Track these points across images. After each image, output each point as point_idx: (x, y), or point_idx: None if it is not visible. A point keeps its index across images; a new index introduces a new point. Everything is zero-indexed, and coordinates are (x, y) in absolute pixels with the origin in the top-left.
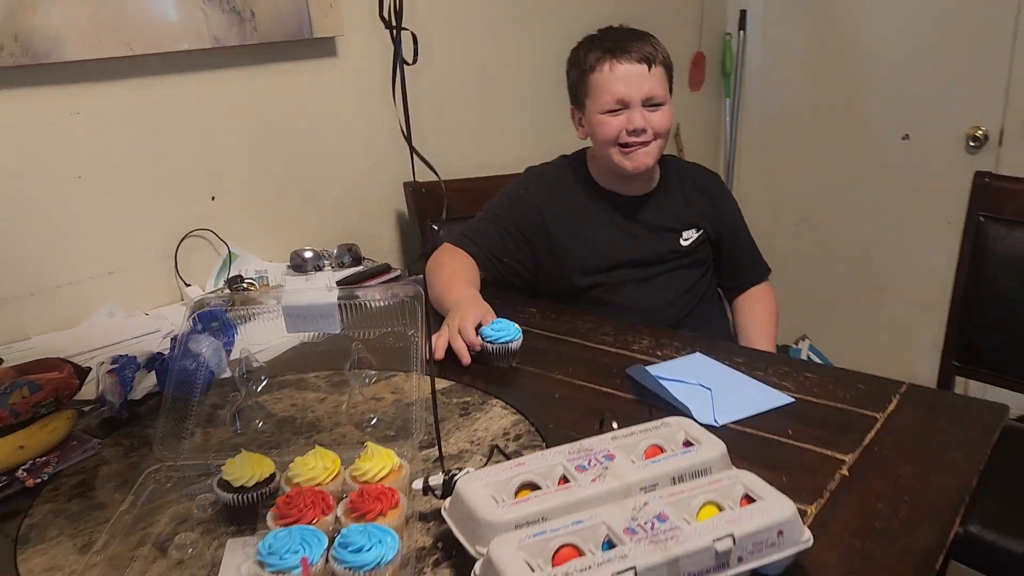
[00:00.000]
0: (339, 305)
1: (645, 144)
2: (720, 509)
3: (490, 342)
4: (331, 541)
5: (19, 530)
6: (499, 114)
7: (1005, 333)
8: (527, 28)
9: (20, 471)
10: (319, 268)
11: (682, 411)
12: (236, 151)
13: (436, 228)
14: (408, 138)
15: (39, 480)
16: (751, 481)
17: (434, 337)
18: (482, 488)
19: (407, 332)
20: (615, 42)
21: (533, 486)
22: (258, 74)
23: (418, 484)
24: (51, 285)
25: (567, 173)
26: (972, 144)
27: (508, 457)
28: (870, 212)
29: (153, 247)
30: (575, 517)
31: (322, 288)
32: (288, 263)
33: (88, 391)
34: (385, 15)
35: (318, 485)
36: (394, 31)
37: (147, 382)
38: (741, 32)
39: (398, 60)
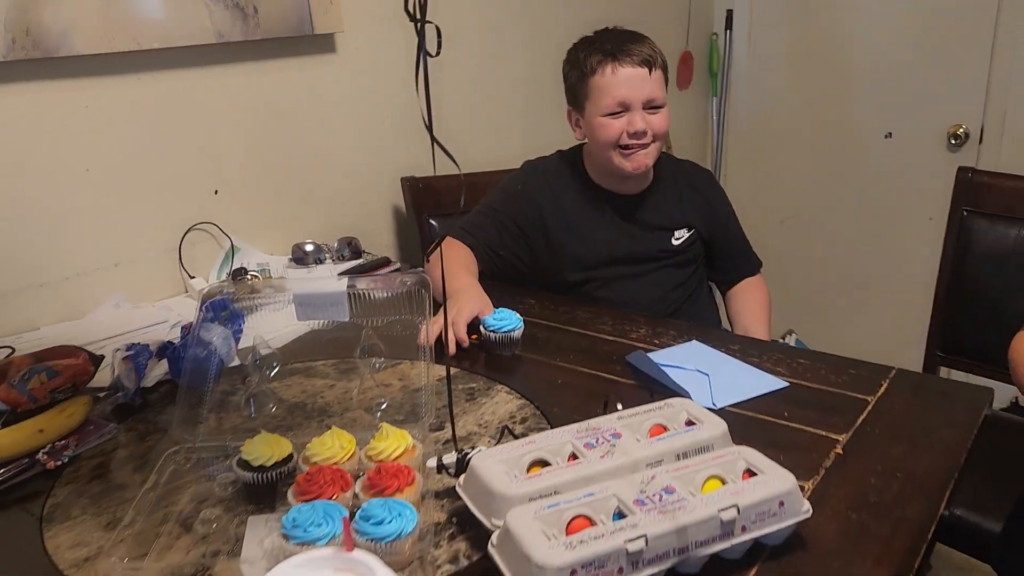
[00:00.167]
0: (348, 293)
1: (645, 146)
2: (723, 482)
3: (493, 331)
4: (351, 516)
5: (43, 509)
6: (504, 110)
7: (987, 324)
8: (523, 28)
9: (40, 454)
10: (320, 261)
11: (681, 395)
12: (238, 145)
13: (433, 223)
14: (430, 128)
15: (59, 463)
16: (752, 456)
17: (429, 323)
18: (496, 464)
19: (414, 320)
20: (615, 45)
21: (544, 463)
22: (260, 69)
23: (432, 462)
24: (59, 277)
25: (564, 169)
26: (953, 142)
27: (517, 437)
28: (854, 209)
29: (158, 240)
30: (586, 490)
31: (332, 277)
32: (290, 256)
33: (101, 378)
34: (410, 8)
35: (335, 464)
36: (418, 24)
37: (158, 370)
38: (728, 32)
39: (422, 52)
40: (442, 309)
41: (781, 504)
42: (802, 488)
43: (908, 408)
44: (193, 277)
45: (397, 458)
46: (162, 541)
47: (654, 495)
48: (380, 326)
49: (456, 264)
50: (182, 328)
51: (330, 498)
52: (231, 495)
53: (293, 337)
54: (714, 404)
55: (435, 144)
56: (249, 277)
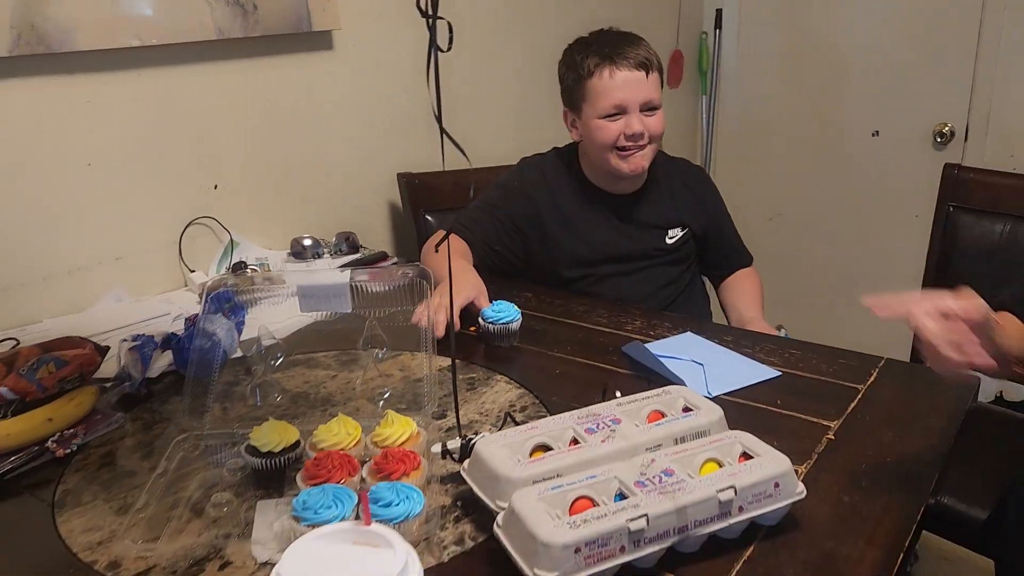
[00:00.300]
0: (350, 285)
1: (642, 147)
2: (720, 465)
3: (492, 323)
4: (359, 500)
5: (55, 496)
6: (503, 106)
7: None
8: (518, 27)
9: (50, 442)
10: (318, 256)
11: (677, 384)
12: (238, 141)
13: (429, 218)
14: (439, 118)
15: (68, 451)
16: (748, 440)
17: (428, 305)
18: (499, 449)
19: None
20: (612, 47)
21: (546, 447)
22: (259, 66)
23: (437, 448)
24: (62, 270)
25: (560, 167)
26: (939, 140)
27: (518, 424)
28: (842, 206)
29: (158, 234)
30: (588, 473)
31: (334, 269)
32: (288, 250)
33: (105, 370)
34: (422, 5)
35: (342, 450)
36: (430, 20)
37: (162, 361)
38: (717, 31)
39: (433, 48)
40: (437, 290)
41: (776, 485)
42: (796, 472)
43: (897, 396)
44: (193, 271)
45: (402, 444)
46: (173, 525)
47: (654, 477)
48: (382, 317)
49: (453, 255)
50: (185, 320)
51: (338, 482)
52: (240, 480)
53: (294, 329)
54: (709, 393)
55: (444, 137)
56: (249, 271)
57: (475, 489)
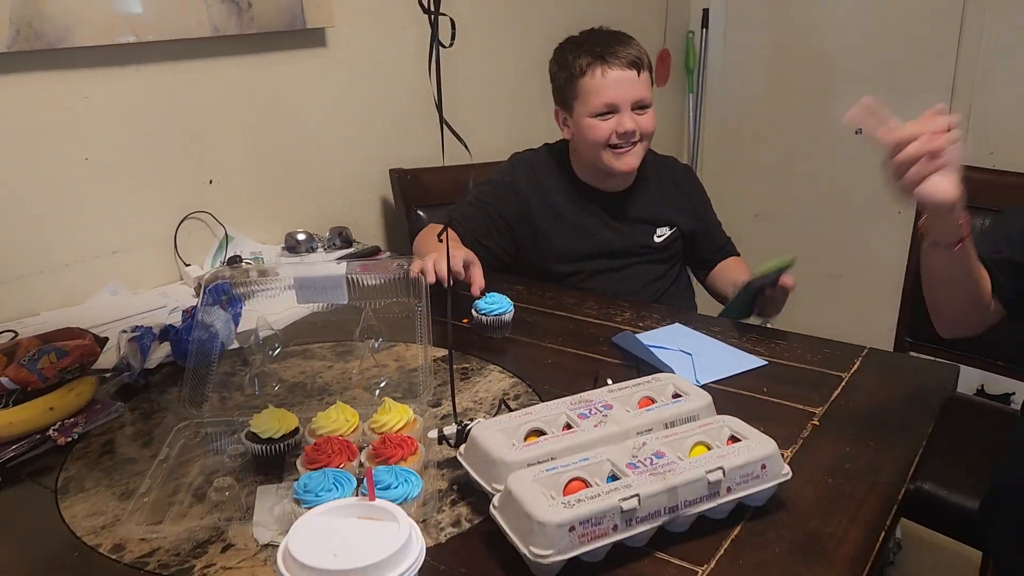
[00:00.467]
0: (347, 277)
1: (634, 145)
2: (709, 448)
3: (485, 314)
4: (359, 483)
5: (57, 483)
6: (496, 102)
7: None
8: (513, 23)
9: (51, 431)
10: (312, 250)
11: (667, 373)
12: (233, 137)
13: (421, 213)
14: (440, 111)
15: (69, 439)
16: (736, 424)
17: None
18: (495, 434)
19: (410, 303)
20: (604, 46)
21: (540, 432)
22: (254, 63)
23: (433, 434)
24: (59, 264)
25: (551, 163)
26: None
27: (512, 411)
28: (826, 203)
29: (154, 228)
30: (581, 455)
31: (331, 261)
32: (283, 245)
33: (104, 360)
34: (423, 2)
35: (340, 436)
36: (431, 16)
37: (160, 352)
38: (704, 30)
39: (435, 43)
40: (429, 256)
41: (763, 467)
42: (782, 456)
43: (879, 383)
44: (188, 265)
45: (399, 431)
46: (176, 509)
47: (645, 459)
48: (378, 308)
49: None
50: (183, 312)
51: (338, 466)
52: (240, 466)
53: (290, 322)
54: (697, 381)
55: (444, 131)
56: (244, 265)
57: (471, 473)
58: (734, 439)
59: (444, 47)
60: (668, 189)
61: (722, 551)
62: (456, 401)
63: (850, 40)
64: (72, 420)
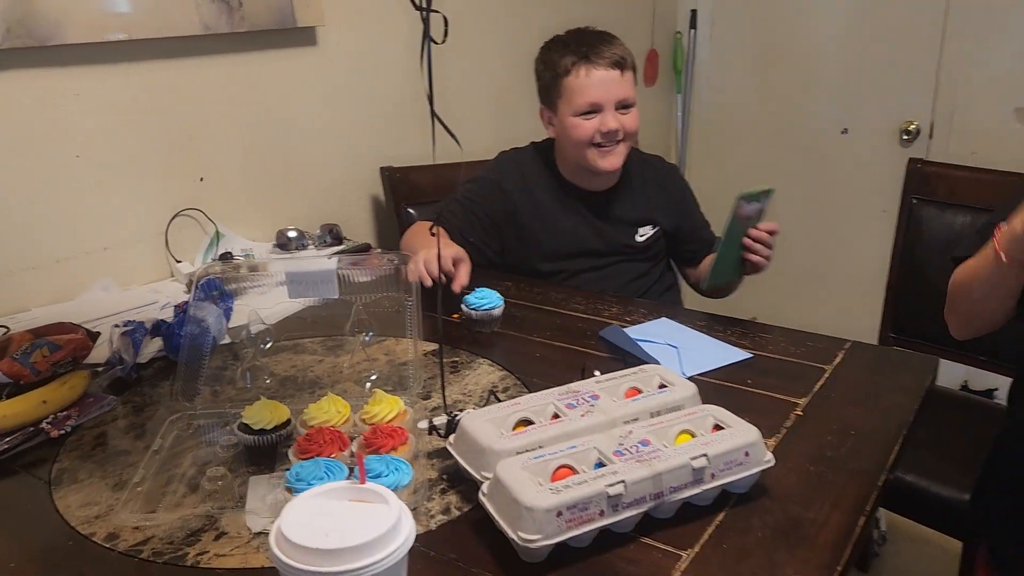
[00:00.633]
0: (337, 272)
1: (616, 144)
2: (694, 436)
3: (474, 309)
4: (350, 472)
5: (51, 474)
6: (488, 100)
7: (936, 306)
8: (503, 22)
9: (44, 423)
10: (303, 247)
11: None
12: (223, 134)
13: (411, 211)
14: (431, 104)
15: (62, 432)
16: (720, 413)
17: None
18: (484, 423)
19: (400, 298)
20: (589, 46)
21: (528, 422)
22: (245, 61)
23: (423, 424)
24: (50, 260)
25: (538, 161)
26: (905, 137)
27: (501, 401)
28: (812, 201)
29: (145, 225)
30: (569, 444)
31: (322, 256)
32: (273, 242)
33: (96, 355)
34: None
35: (332, 427)
36: (424, 13)
37: (152, 347)
38: (692, 31)
39: (426, 40)
40: (419, 256)
41: (746, 454)
42: (766, 445)
43: (862, 375)
44: (179, 261)
45: (390, 421)
46: (169, 499)
47: (631, 447)
48: (368, 303)
49: (427, 235)
50: (175, 307)
51: (329, 456)
52: (232, 457)
53: (281, 317)
54: (684, 373)
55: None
56: (235, 263)
57: (460, 462)
58: (718, 427)
59: (436, 43)
60: (652, 189)
61: (706, 536)
62: (446, 393)
63: (836, 41)
64: (65, 413)
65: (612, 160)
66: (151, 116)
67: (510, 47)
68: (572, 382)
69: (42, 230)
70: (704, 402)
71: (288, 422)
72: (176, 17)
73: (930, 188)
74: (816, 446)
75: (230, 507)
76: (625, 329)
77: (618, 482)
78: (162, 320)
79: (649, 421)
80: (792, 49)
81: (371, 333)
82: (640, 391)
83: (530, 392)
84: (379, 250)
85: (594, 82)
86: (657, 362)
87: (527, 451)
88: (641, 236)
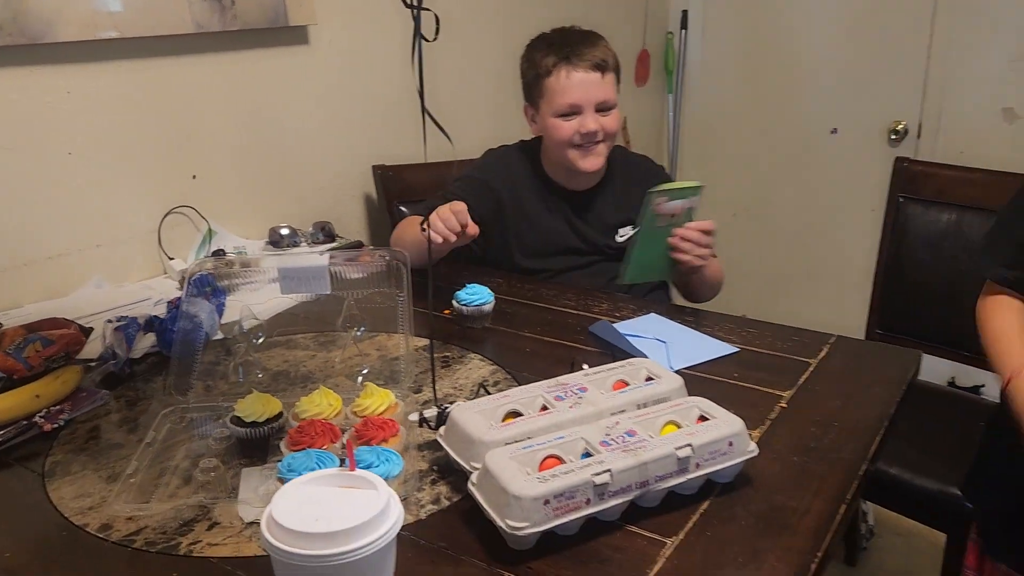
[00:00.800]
0: (329, 268)
1: (596, 145)
2: (679, 426)
3: (466, 305)
4: (341, 463)
5: (44, 467)
6: (479, 98)
7: (922, 302)
8: (496, 20)
9: (37, 417)
10: (295, 244)
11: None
12: (216, 132)
13: (403, 208)
14: (422, 101)
15: (55, 425)
16: (705, 404)
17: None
18: (473, 415)
19: (392, 294)
20: (571, 48)
21: (517, 413)
22: (237, 59)
23: (414, 416)
24: (43, 256)
25: (524, 159)
26: (893, 137)
27: (490, 394)
28: (801, 201)
29: (138, 222)
30: (557, 434)
31: (314, 252)
32: (266, 239)
33: (89, 350)
34: None
35: (324, 419)
36: (414, 11)
37: (146, 342)
38: (683, 31)
39: (417, 37)
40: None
41: (731, 444)
42: (751, 436)
43: (846, 368)
44: (172, 259)
45: (381, 414)
46: (162, 490)
47: (618, 437)
48: (360, 299)
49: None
50: (168, 303)
51: (321, 448)
52: (225, 449)
53: (273, 313)
54: (671, 367)
55: (426, 125)
56: (228, 257)
57: (450, 453)
58: (703, 418)
59: (427, 41)
60: (634, 190)
61: (691, 524)
62: (437, 388)
63: (825, 42)
64: (58, 407)
65: (592, 161)
66: (144, 114)
67: (502, 45)
68: (561, 376)
69: (35, 227)
70: (691, 394)
71: (280, 415)
72: (168, 15)
73: (917, 187)
74: (799, 437)
75: (223, 498)
76: (615, 324)
77: (604, 471)
78: (155, 316)
79: (636, 412)
80: (782, 50)
81: (363, 328)
82: (627, 383)
83: (520, 386)
84: (369, 248)
85: (574, 84)
86: (646, 355)
87: (516, 442)
88: (621, 237)
